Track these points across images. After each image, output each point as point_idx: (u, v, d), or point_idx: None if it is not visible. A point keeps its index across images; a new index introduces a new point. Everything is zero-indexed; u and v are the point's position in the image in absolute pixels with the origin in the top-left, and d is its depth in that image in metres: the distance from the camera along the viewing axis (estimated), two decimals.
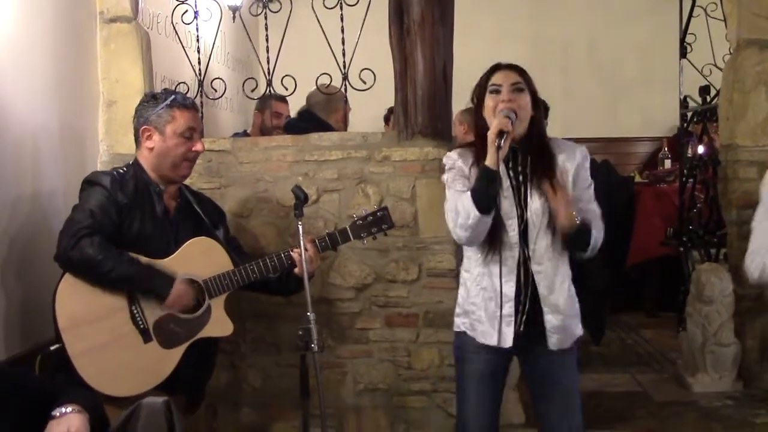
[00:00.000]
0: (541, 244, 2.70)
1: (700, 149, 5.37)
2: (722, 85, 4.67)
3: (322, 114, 4.60)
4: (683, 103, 5.52)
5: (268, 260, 3.19)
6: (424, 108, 3.74)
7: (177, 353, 3.04)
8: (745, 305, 4.45)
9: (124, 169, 3.15)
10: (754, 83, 4.46)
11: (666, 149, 7.20)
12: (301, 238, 3.06)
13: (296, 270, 3.17)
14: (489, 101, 2.72)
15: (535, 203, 2.69)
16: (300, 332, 2.96)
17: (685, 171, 5.51)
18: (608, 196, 6.20)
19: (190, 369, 3.10)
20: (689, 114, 5.50)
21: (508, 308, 2.70)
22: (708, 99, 5.22)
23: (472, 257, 2.82)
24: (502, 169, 2.65)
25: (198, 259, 3.11)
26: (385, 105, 5.58)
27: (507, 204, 2.69)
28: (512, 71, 2.75)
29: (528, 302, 2.72)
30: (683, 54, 5.37)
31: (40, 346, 3.20)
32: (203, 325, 3.09)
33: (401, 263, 3.78)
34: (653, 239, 6.06)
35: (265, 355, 3.88)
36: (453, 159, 2.81)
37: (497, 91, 2.70)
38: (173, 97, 3.12)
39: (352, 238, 3.27)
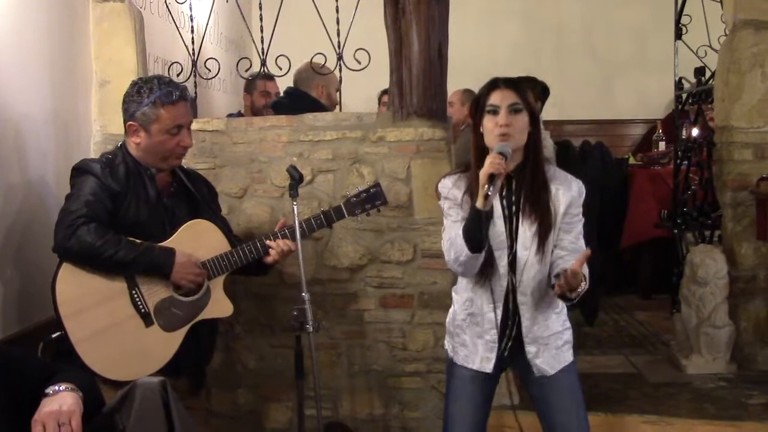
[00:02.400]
0: (528, 275, 2.70)
1: (695, 131, 5.37)
2: (718, 67, 4.66)
3: (308, 89, 4.59)
4: (678, 84, 5.51)
5: (265, 240, 3.20)
6: (420, 88, 3.72)
7: (179, 336, 3.05)
8: (739, 287, 4.46)
9: (112, 154, 3.13)
10: (750, 65, 4.45)
11: (660, 131, 7.19)
12: (296, 218, 3.08)
13: (267, 258, 3.19)
14: (488, 123, 2.68)
15: (524, 235, 2.69)
16: (295, 312, 2.98)
17: (679, 153, 5.50)
18: (602, 179, 6.25)
19: (191, 351, 3.12)
20: (684, 95, 5.49)
21: (493, 335, 2.75)
22: (703, 80, 5.21)
23: (462, 280, 2.84)
24: (495, 199, 2.64)
25: (195, 241, 3.10)
26: (380, 86, 5.56)
27: (498, 234, 2.69)
28: (510, 90, 2.69)
29: (516, 329, 2.76)
30: (678, 35, 5.35)
31: (37, 326, 3.22)
32: (203, 306, 3.10)
33: (396, 244, 3.78)
34: (647, 221, 6.07)
35: (260, 336, 3.88)
36: (447, 187, 2.79)
37: (495, 112, 2.67)
38: (158, 93, 3.04)
39: (346, 215, 3.30)
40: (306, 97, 4.55)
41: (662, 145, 7.06)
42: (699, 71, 5.25)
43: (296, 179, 3.14)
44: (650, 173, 6.57)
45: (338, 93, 4.45)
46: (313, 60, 4.12)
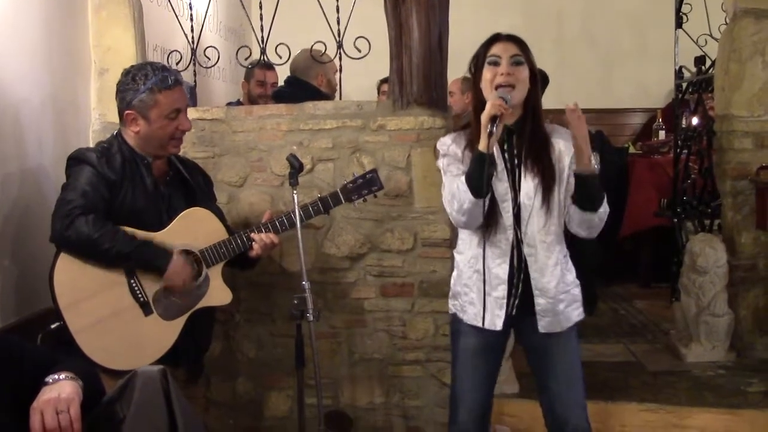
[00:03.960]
0: (533, 226, 2.69)
1: (695, 120, 5.36)
2: (718, 55, 4.65)
3: (308, 78, 4.58)
4: (678, 73, 5.50)
5: (262, 228, 3.20)
6: (420, 77, 3.70)
7: (178, 325, 3.04)
8: (739, 276, 4.46)
9: (107, 143, 3.10)
10: (751, 53, 4.44)
11: (660, 120, 7.18)
12: (296, 206, 3.07)
13: (251, 252, 3.18)
14: (487, 73, 2.68)
15: (527, 185, 2.68)
16: (295, 301, 2.97)
17: (679, 142, 5.49)
18: (601, 168, 6.24)
19: (190, 340, 3.11)
20: (684, 85, 5.48)
21: (501, 291, 2.73)
22: (703, 69, 5.20)
23: (465, 239, 2.82)
24: (496, 151, 2.65)
25: (193, 229, 3.10)
26: (380, 74, 5.54)
27: (501, 186, 2.68)
28: (512, 43, 2.70)
29: (521, 285, 2.74)
30: (679, 24, 5.33)
31: (36, 315, 3.21)
32: (202, 295, 3.09)
33: (396, 233, 3.76)
34: (647, 210, 6.08)
35: (260, 325, 3.87)
36: (446, 144, 2.79)
37: (496, 63, 2.67)
38: (153, 80, 3.01)
39: (343, 201, 3.31)
40: (307, 86, 4.54)
41: (662, 134, 7.05)
42: (699, 60, 5.24)
43: (296, 168, 3.14)
44: (650, 162, 6.57)
45: (338, 78, 4.44)
46: (313, 48, 4.10)
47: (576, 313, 2.81)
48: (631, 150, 7.08)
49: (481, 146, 2.52)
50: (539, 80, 2.80)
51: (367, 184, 3.33)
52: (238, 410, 3.91)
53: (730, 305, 4.41)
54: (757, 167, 4.39)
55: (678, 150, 5.50)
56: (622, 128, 7.95)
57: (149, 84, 3.00)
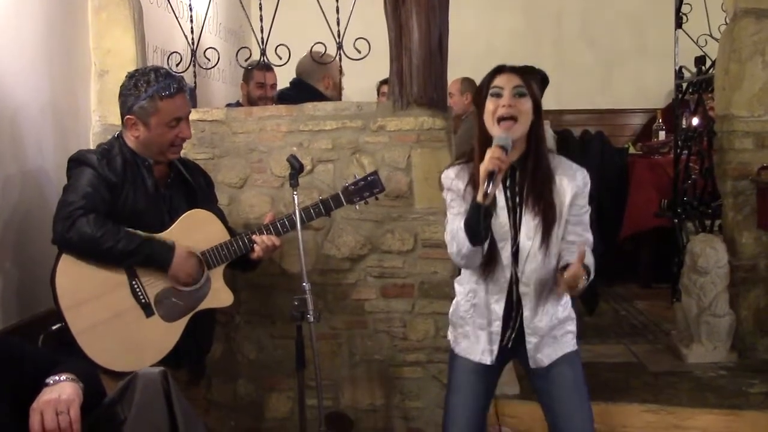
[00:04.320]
0: (531, 266, 2.67)
1: (695, 120, 5.35)
2: (718, 55, 4.65)
3: (313, 81, 4.59)
4: (678, 73, 5.49)
5: (264, 229, 3.20)
6: (420, 77, 3.69)
7: (179, 326, 3.05)
8: (740, 276, 4.45)
9: (108, 145, 3.10)
10: (751, 53, 4.44)
11: (660, 121, 7.18)
12: (296, 207, 3.07)
13: (252, 254, 3.19)
14: (489, 105, 2.63)
15: (527, 225, 2.65)
16: (296, 302, 2.97)
17: (679, 142, 5.49)
18: (602, 168, 6.25)
19: (191, 341, 3.12)
20: (684, 85, 5.48)
21: (496, 326, 2.73)
22: (703, 69, 5.19)
23: (466, 273, 2.82)
24: (498, 190, 2.61)
25: (194, 231, 3.10)
26: (379, 75, 5.54)
27: (501, 224, 2.65)
28: (515, 74, 2.65)
29: (519, 320, 2.73)
30: (679, 24, 5.33)
31: (37, 317, 3.21)
32: (203, 296, 3.10)
33: (396, 234, 3.76)
34: (647, 211, 6.07)
35: (260, 327, 3.87)
36: (450, 178, 2.75)
37: (498, 95, 2.62)
38: (155, 87, 3.01)
39: (344, 203, 3.31)
40: (311, 90, 4.54)
41: (662, 135, 7.05)
42: (699, 60, 5.23)
43: (296, 169, 3.13)
44: (650, 162, 6.56)
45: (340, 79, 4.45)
46: (313, 49, 4.10)
47: (570, 343, 2.80)
48: (631, 150, 7.08)
49: (479, 198, 2.49)
50: (542, 113, 2.74)
51: (368, 186, 3.34)
52: (239, 412, 3.91)
53: (732, 306, 4.41)
54: (757, 167, 4.39)
55: (678, 150, 5.50)
56: (622, 129, 7.94)
57: (151, 91, 3.00)
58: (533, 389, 2.91)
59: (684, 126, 5.53)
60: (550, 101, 2.79)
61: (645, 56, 7.60)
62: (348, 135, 3.79)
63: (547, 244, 2.65)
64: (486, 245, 2.60)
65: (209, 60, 4.25)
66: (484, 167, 2.47)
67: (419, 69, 3.69)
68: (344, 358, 3.85)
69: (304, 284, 2.97)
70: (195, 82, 4.28)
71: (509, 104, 2.60)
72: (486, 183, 2.45)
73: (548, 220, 2.64)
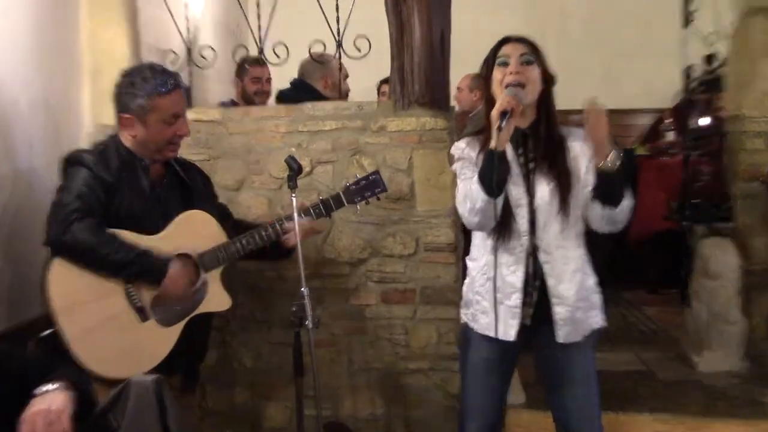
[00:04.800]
0: (550, 232, 2.66)
1: (705, 120, 5.33)
2: (729, 54, 4.64)
3: (313, 81, 4.58)
4: (687, 72, 5.47)
5: (263, 231, 3.19)
6: (421, 76, 3.68)
7: (175, 331, 3.02)
8: (752, 281, 4.43)
9: (103, 145, 3.08)
10: (762, 52, 4.43)
11: (667, 121, 7.16)
12: (295, 210, 3.04)
13: (286, 240, 3.19)
14: (497, 74, 2.67)
15: (543, 189, 2.65)
16: (294, 308, 2.94)
17: (688, 143, 5.47)
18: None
19: (186, 347, 3.08)
20: (693, 84, 5.45)
21: (515, 299, 2.67)
22: (713, 68, 5.17)
23: (479, 245, 2.79)
24: (510, 154, 2.63)
25: (190, 233, 3.08)
26: (380, 74, 5.54)
27: (516, 191, 2.66)
28: (521, 43, 2.69)
29: (537, 294, 2.70)
30: (687, 22, 5.30)
31: (27, 322, 3.19)
32: (200, 300, 3.08)
33: (398, 237, 3.75)
34: (655, 213, 6.05)
35: (257, 333, 3.86)
36: (461, 148, 2.77)
37: (505, 64, 2.66)
38: (152, 84, 2.99)
39: (345, 203, 3.30)
40: (311, 90, 4.53)
41: (670, 135, 7.03)
42: (709, 59, 5.21)
43: (295, 170, 3.09)
44: (658, 164, 6.55)
45: (343, 78, 4.46)
46: (311, 49, 4.09)
47: (595, 320, 2.77)
48: (639, 152, 7.06)
49: (492, 144, 2.49)
50: (553, 81, 2.76)
51: (369, 186, 3.33)
52: (235, 420, 3.90)
53: (744, 312, 4.38)
54: None
55: (687, 151, 5.47)
56: (628, 129, 7.90)
57: (148, 88, 2.98)
58: (539, 368, 2.86)
59: (693, 126, 5.51)
60: (556, 101, 2.78)
61: (652, 54, 7.55)
62: (348, 135, 3.78)
63: (565, 208, 2.65)
64: (500, 202, 2.58)
65: (205, 59, 4.23)
66: (496, 109, 2.51)
67: (421, 67, 3.68)
68: (344, 366, 3.84)
69: (302, 289, 2.94)
70: (190, 82, 4.27)
71: (516, 71, 2.63)
72: (499, 120, 2.47)
73: (564, 183, 2.65)
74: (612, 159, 2.56)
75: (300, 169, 3.13)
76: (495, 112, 2.50)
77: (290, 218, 3.11)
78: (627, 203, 2.63)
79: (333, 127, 3.79)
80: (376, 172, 3.36)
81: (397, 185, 3.70)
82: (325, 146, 3.79)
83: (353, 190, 3.31)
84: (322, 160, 3.79)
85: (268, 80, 5.12)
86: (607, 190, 2.60)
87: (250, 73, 5.08)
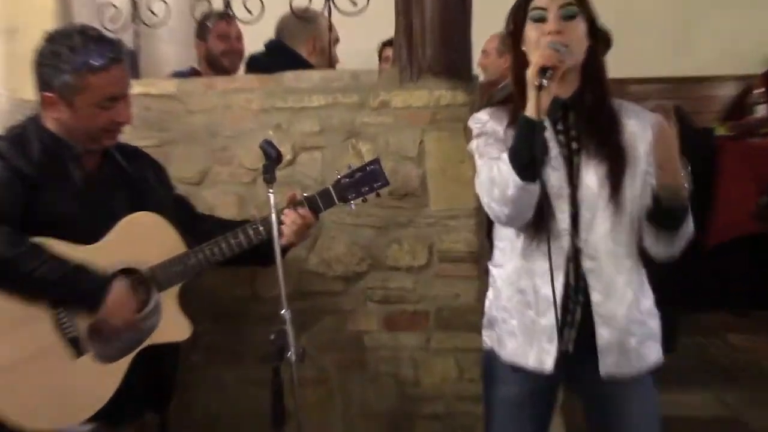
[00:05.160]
0: (597, 231, 2.66)
1: None
2: None
3: (295, 44, 4.62)
4: None
5: (233, 238, 3.19)
6: (435, 36, 3.74)
7: (119, 369, 3.01)
8: None
9: (21, 128, 3.09)
10: None
11: (757, 92, 7.17)
12: (272, 209, 3.04)
13: (282, 239, 3.15)
14: (530, 32, 2.66)
15: (589, 177, 2.66)
16: (272, 336, 2.95)
17: None
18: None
19: (138, 389, 3.08)
20: None
21: (551, 317, 2.61)
22: None
23: (505, 248, 2.81)
24: (548, 132, 2.59)
25: (138, 241, 3.08)
26: (382, 35, 5.61)
27: (555, 178, 2.65)
28: None
29: (580, 310, 2.69)
30: None
31: None
32: (151, 328, 3.07)
33: (405, 244, 3.80)
34: (741, 212, 6.05)
35: (224, 368, 3.90)
36: (482, 121, 2.79)
37: (542, 19, 2.64)
38: (83, 55, 2.95)
39: (336, 201, 3.31)
40: (292, 55, 4.58)
41: (761, 110, 7.04)
42: None
43: (272, 159, 3.08)
44: (745, 147, 6.55)
45: (333, 42, 4.52)
46: (292, 3, 4.15)
47: (653, 352, 2.77)
48: (720, 131, 7.07)
49: (529, 110, 2.48)
50: (601, 37, 2.77)
51: (367, 179, 3.33)
52: None
53: None
54: None
55: None
56: (706, 102, 7.92)
57: (77, 62, 2.95)
58: (585, 402, 2.87)
59: None
60: (610, 67, 2.80)
61: (736, 5, 7.58)
62: (341, 114, 3.83)
63: (618, 200, 2.65)
64: (537, 190, 2.55)
65: (155, 15, 4.26)
66: (534, 65, 2.49)
67: (435, 24, 3.73)
68: (337, 410, 3.87)
69: (283, 312, 2.95)
70: (137, 45, 4.30)
71: (557, 29, 2.61)
72: (539, 77, 2.46)
73: (617, 169, 2.66)
74: (677, 183, 2.54)
75: (279, 157, 3.09)
76: (533, 69, 2.48)
77: (265, 223, 3.15)
78: (688, 230, 2.65)
79: (321, 103, 3.84)
80: (376, 161, 3.37)
81: (403, 178, 3.75)
82: (311, 127, 3.84)
83: (346, 184, 3.31)
84: (308, 146, 3.84)
85: (239, 38, 5.15)
86: (666, 216, 2.61)
87: (215, 30, 5.11)
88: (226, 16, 4.81)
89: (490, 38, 5.65)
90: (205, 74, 5.04)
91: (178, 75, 5.01)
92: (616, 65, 2.82)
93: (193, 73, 5.19)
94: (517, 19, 2.72)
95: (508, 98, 2.81)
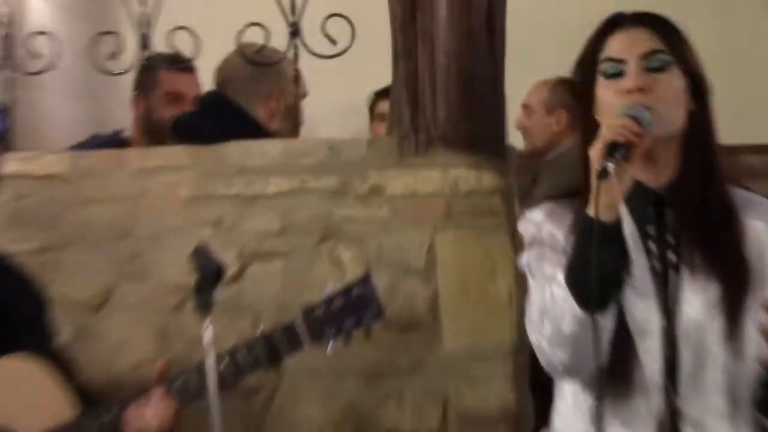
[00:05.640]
0: (706, 387, 2.60)
1: None
2: None
3: (244, 99, 4.59)
4: None
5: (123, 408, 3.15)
6: (452, 89, 3.76)
7: None
8: None
9: None
10: None
11: None
12: (212, 356, 2.99)
13: None
14: (603, 91, 2.63)
15: (693, 305, 2.60)
16: None
17: None
18: None
19: None
20: None
21: None
22: None
23: (569, 409, 2.76)
24: (632, 235, 2.59)
25: (6, 401, 3.09)
26: (373, 84, 5.64)
27: (641, 307, 2.60)
28: (645, 29, 2.65)
29: None
30: None
31: None
32: None
33: (407, 399, 3.77)
34: None
35: None
36: (536, 222, 2.75)
37: (617, 73, 2.62)
38: None
39: (307, 342, 3.26)
40: (240, 115, 4.54)
41: None
42: None
43: (208, 274, 3.08)
44: None
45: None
46: (241, 39, 4.16)
47: None
48: None
49: (592, 208, 2.45)
50: (707, 93, 2.71)
51: (354, 306, 3.29)
52: None
53: None
54: None
55: None
56: None
57: None
58: None
59: None
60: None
61: None
62: (312, 204, 3.83)
63: (737, 339, 2.58)
64: (611, 323, 2.53)
65: (39, 56, 4.25)
66: (600, 138, 2.44)
67: (450, 74, 3.75)
68: None
69: None
70: (11, 99, 4.29)
71: (639, 86, 2.57)
72: (603, 160, 2.40)
73: (736, 290, 2.59)
74: None
75: (219, 271, 3.10)
76: (596, 147, 2.45)
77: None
78: None
79: (284, 189, 3.85)
80: (366, 279, 3.34)
81: (405, 300, 3.74)
82: (267, 225, 3.84)
83: (320, 316, 3.27)
84: (262, 253, 3.84)
85: (197, 96, 5.10)
86: None
87: (163, 83, 5.07)
88: (182, 63, 4.77)
89: (535, 87, 5.62)
90: (138, 146, 4.97)
91: (89, 145, 4.94)
92: (730, 127, 2.76)
93: (117, 142, 5.09)
94: (585, 73, 2.71)
95: (576, 189, 2.71)
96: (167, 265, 3.83)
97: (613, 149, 2.41)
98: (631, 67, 2.59)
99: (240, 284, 3.81)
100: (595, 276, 2.39)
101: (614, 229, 2.47)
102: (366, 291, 3.30)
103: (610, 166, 2.38)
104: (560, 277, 2.52)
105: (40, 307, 3.40)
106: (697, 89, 2.65)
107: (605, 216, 2.43)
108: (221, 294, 3.22)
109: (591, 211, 2.43)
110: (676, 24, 2.70)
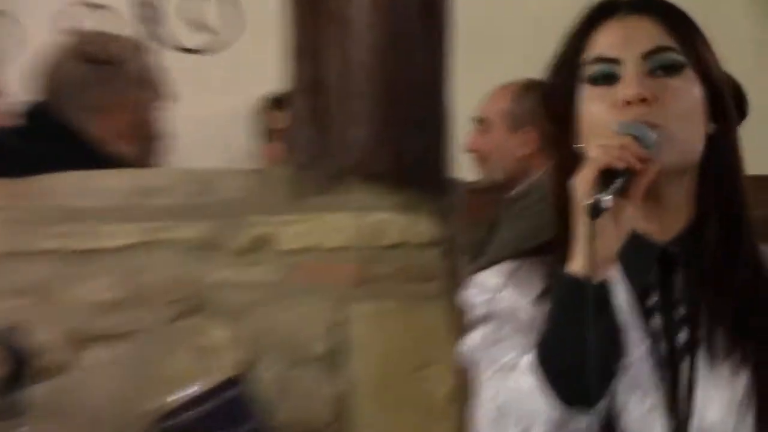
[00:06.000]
0: None
1: None
2: None
3: (76, 113, 4.42)
4: None
5: None
6: (371, 102, 3.68)
7: None
8: None
9: None
10: None
11: None
12: None
13: None
14: (590, 101, 2.49)
15: (712, 407, 2.47)
16: None
17: None
18: None
19: None
20: None
21: None
22: None
23: None
24: (628, 305, 2.43)
25: None
26: (257, 90, 5.52)
27: (641, 405, 2.47)
28: (647, 18, 2.51)
29: None
30: None
31: None
32: None
33: None
34: None
35: None
36: (491, 288, 2.59)
37: (609, 76, 2.48)
38: None
39: None
40: (65, 133, 4.41)
41: None
42: None
43: (18, 364, 3.09)
44: None
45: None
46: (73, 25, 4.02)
47: None
48: None
49: (577, 262, 2.29)
50: (730, 105, 2.58)
51: (221, 416, 3.29)
52: None
53: None
54: None
55: None
56: None
57: None
58: None
59: None
60: (750, 155, 2.60)
61: None
62: (169, 264, 3.74)
63: None
64: (598, 419, 2.40)
65: None
66: (591, 161, 2.29)
67: (371, 76, 3.69)
68: None
69: None
70: None
71: (640, 95, 2.42)
72: (595, 195, 2.22)
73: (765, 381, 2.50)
74: None
75: (20, 363, 3.06)
76: (584, 174, 2.29)
77: None
78: None
79: (129, 241, 3.74)
80: (235, 381, 3.21)
81: (301, 402, 3.61)
82: (106, 294, 3.70)
83: (180, 427, 3.22)
84: (98, 333, 3.70)
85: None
86: None
87: None
88: None
89: (494, 95, 5.50)
90: None
91: None
92: (756, 158, 2.61)
93: None
94: (564, 75, 2.56)
95: (547, 241, 2.59)
96: None
97: (608, 178, 2.24)
98: (629, 70, 2.44)
99: (66, 378, 3.64)
100: (593, 352, 2.23)
101: (605, 294, 2.31)
102: (242, 394, 3.26)
103: (605, 200, 2.21)
104: (525, 362, 2.35)
105: None
106: (718, 104, 2.48)
107: (595, 274, 2.25)
108: (38, 392, 3.26)
109: (576, 266, 2.27)
110: (688, 13, 2.55)
